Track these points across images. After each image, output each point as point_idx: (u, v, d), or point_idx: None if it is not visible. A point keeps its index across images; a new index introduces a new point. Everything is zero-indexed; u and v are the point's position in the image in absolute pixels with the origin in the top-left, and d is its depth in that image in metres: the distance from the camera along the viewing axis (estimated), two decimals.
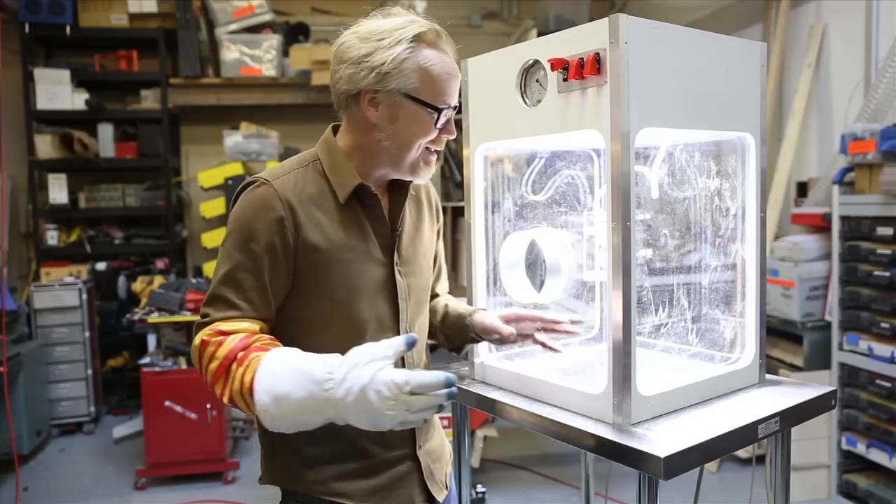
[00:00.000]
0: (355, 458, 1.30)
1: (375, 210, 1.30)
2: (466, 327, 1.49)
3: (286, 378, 1.05)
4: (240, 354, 1.11)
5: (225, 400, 1.12)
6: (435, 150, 1.31)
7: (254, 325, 1.19)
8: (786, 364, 3.55)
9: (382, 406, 1.00)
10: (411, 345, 1.05)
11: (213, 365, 1.13)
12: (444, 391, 1.02)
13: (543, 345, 1.50)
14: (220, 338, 1.14)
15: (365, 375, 1.01)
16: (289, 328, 1.26)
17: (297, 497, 1.29)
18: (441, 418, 1.49)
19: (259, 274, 1.20)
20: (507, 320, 1.48)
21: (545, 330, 1.49)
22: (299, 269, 1.23)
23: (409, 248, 1.36)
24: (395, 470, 1.32)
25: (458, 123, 1.49)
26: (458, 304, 1.56)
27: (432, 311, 1.53)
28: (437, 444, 1.46)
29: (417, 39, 1.23)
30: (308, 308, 1.25)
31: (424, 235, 1.42)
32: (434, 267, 1.52)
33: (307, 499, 1.28)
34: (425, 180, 1.34)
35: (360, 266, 1.26)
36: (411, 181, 1.35)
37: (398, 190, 1.36)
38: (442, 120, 1.27)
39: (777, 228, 3.94)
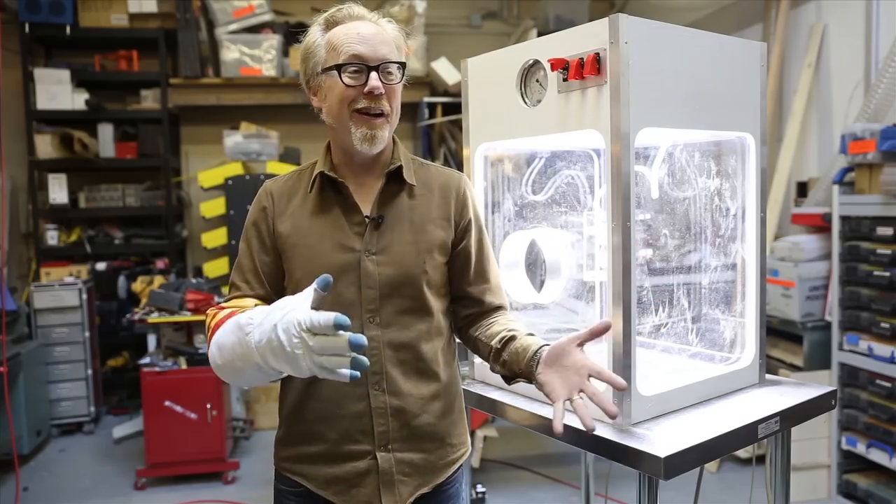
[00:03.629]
0: (313, 442, 1.33)
1: (348, 198, 1.34)
2: (531, 371, 1.26)
3: (227, 330, 1.19)
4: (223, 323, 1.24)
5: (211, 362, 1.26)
6: (372, 113, 1.27)
7: (249, 302, 1.33)
8: (786, 364, 3.55)
9: (290, 345, 1.05)
10: (323, 286, 1.09)
11: (208, 333, 1.29)
12: (346, 336, 1.02)
13: (580, 417, 1.18)
14: (216, 311, 1.31)
15: (277, 316, 1.08)
16: None
17: (276, 474, 1.42)
18: None
19: (252, 257, 1.37)
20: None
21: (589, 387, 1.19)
22: (280, 254, 1.35)
23: (392, 238, 1.33)
24: (353, 465, 1.31)
25: (458, 123, 1.48)
26: (524, 336, 1.33)
27: (488, 332, 1.38)
28: (426, 460, 1.35)
29: (326, 22, 1.32)
30: (286, 289, 1.36)
31: (426, 229, 1.35)
32: (468, 270, 1.41)
33: (281, 477, 1.40)
34: (370, 147, 1.28)
35: (323, 250, 1.32)
36: (399, 168, 1.35)
37: (387, 177, 1.35)
38: (350, 77, 1.26)
39: (777, 228, 3.93)
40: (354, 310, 1.29)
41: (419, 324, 1.35)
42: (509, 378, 1.35)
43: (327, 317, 1.02)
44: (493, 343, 1.35)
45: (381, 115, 1.28)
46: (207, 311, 1.34)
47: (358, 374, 1.04)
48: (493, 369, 1.38)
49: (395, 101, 1.31)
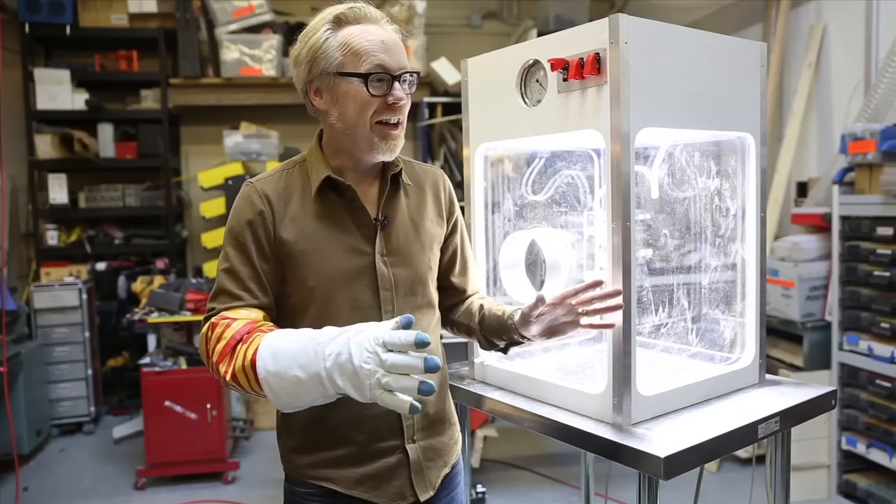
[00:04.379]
0: (341, 446, 1.32)
1: (354, 201, 1.32)
2: (508, 327, 1.41)
3: (288, 337, 1.13)
4: (245, 336, 1.18)
5: (228, 378, 1.17)
6: (391, 123, 1.28)
7: (258, 313, 1.26)
8: (786, 364, 3.55)
9: (360, 358, 1.03)
10: (406, 325, 1.06)
11: (220, 345, 1.19)
12: (420, 356, 1.02)
13: (593, 326, 1.38)
14: (228, 321, 1.21)
15: (352, 332, 1.07)
16: (278, 316, 1.33)
17: (290, 479, 1.37)
18: None
19: (252, 264, 1.28)
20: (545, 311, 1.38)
21: (586, 313, 1.35)
22: (281, 260, 1.30)
23: (399, 238, 1.35)
24: (384, 461, 1.33)
25: (458, 123, 1.49)
26: (496, 305, 1.49)
27: (467, 313, 1.51)
28: (442, 443, 1.42)
29: (337, 20, 1.27)
30: (289, 297, 1.32)
31: (425, 226, 1.40)
32: (455, 262, 1.50)
33: (298, 482, 1.35)
34: (390, 157, 1.31)
35: (335, 255, 1.30)
36: (400, 170, 1.37)
37: (387, 179, 1.36)
38: (375, 87, 1.25)
39: (777, 228, 3.93)
40: (371, 312, 1.31)
41: (427, 318, 1.40)
42: (504, 347, 1.47)
43: (408, 334, 1.02)
44: (472, 324, 1.49)
45: (399, 124, 1.30)
46: (213, 321, 1.24)
47: (419, 406, 1.03)
48: (482, 346, 1.48)
49: (408, 108, 1.32)
